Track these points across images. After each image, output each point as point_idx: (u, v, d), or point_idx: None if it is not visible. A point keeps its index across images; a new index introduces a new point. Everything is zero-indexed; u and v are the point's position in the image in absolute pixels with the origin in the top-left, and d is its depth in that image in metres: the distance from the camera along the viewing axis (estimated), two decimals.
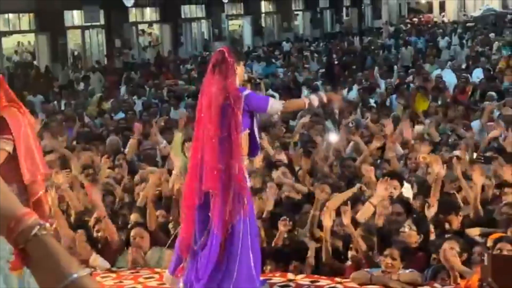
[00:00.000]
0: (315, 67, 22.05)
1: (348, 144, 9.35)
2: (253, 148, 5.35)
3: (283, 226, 6.03)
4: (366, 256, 5.78)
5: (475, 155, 8.62)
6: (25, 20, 25.99)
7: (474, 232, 5.97)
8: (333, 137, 9.27)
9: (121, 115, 13.41)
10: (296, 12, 40.04)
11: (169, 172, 7.72)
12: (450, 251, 5.30)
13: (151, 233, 6.47)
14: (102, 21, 26.57)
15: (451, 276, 5.26)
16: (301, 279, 5.77)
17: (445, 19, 43.66)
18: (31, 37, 27.05)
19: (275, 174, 7.62)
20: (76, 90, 18.11)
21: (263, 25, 37.55)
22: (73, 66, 26.41)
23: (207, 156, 5.07)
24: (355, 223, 6.18)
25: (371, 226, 6.13)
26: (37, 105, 15.34)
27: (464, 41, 26.18)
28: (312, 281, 5.72)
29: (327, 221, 5.89)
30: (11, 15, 25.49)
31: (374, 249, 5.84)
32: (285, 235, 6.12)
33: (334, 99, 5.74)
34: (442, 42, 25.71)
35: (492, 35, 27.08)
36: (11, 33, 26.63)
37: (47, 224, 1.58)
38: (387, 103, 13.27)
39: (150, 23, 32.04)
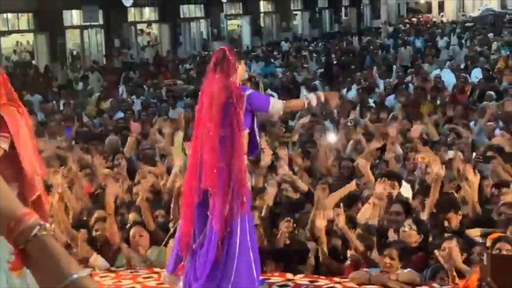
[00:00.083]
0: (314, 67, 22.06)
1: (347, 144, 9.35)
2: (252, 147, 5.35)
3: (285, 228, 6.03)
4: (364, 257, 5.78)
5: (473, 155, 8.63)
6: (24, 20, 25.98)
7: (474, 233, 5.98)
8: (332, 137, 9.26)
9: (120, 114, 13.40)
10: (295, 12, 40.04)
11: (168, 171, 7.73)
12: (455, 248, 5.32)
13: (150, 232, 6.47)
14: (101, 21, 26.56)
15: (449, 276, 5.27)
16: (300, 278, 5.77)
17: (444, 19, 43.68)
18: (30, 36, 27.04)
19: (280, 170, 7.58)
20: (75, 90, 18.09)
21: (262, 25, 37.56)
22: (72, 65, 26.40)
23: (206, 155, 5.07)
24: (354, 223, 6.20)
25: (371, 226, 6.13)
26: (35, 105, 15.33)
27: (463, 41, 26.20)
28: (311, 281, 5.72)
29: (321, 222, 5.88)
30: (10, 15, 25.49)
31: (373, 249, 5.85)
32: (286, 235, 6.11)
33: (331, 98, 5.74)
34: (441, 42, 25.73)
35: (491, 35, 27.09)
36: (10, 32, 26.62)
37: (47, 225, 1.58)
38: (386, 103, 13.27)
39: (149, 23, 32.04)
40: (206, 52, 28.44)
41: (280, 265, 5.99)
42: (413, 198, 7.02)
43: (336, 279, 5.71)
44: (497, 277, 4.67)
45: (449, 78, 15.49)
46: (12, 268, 3.25)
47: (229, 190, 5.04)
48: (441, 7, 49.10)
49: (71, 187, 7.45)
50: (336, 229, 6.20)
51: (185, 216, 5.26)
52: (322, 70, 20.69)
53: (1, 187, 1.61)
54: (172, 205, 6.61)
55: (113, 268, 6.25)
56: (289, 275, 5.82)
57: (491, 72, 16.49)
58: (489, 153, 8.21)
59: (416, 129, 8.66)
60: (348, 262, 5.91)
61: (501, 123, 10.32)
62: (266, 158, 7.38)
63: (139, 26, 31.17)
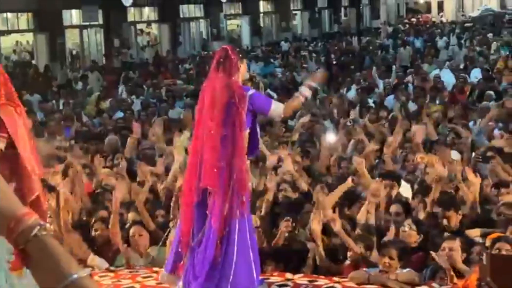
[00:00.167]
0: (313, 67, 22.02)
1: (346, 144, 9.35)
2: (252, 147, 5.35)
3: (285, 227, 6.02)
4: (363, 258, 5.78)
5: (473, 155, 8.63)
6: (24, 20, 25.97)
7: (474, 233, 5.97)
8: (332, 137, 9.26)
9: (119, 114, 13.40)
10: (294, 12, 40.02)
11: (167, 171, 7.74)
12: (457, 248, 5.32)
13: (150, 232, 6.47)
14: (100, 21, 26.56)
15: (447, 275, 5.27)
16: (299, 278, 5.77)
17: (444, 19, 43.68)
18: (29, 36, 27.02)
19: (282, 167, 7.58)
20: (74, 90, 18.08)
21: (262, 25, 37.54)
22: (71, 65, 26.38)
23: (207, 154, 5.07)
24: (354, 223, 6.20)
25: (371, 226, 6.13)
26: (34, 104, 15.33)
27: (463, 41, 26.19)
28: (310, 281, 5.73)
29: (316, 225, 5.87)
30: (9, 14, 25.47)
31: (373, 249, 5.84)
32: (286, 235, 6.11)
33: (318, 78, 5.77)
34: (441, 42, 25.74)
35: (490, 35, 27.09)
36: (9, 32, 26.61)
37: (47, 225, 1.58)
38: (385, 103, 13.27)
39: (148, 23, 32.02)
40: (205, 52, 28.43)
41: (280, 265, 5.99)
42: (413, 198, 7.02)
43: (336, 278, 5.71)
44: (496, 277, 4.67)
45: (448, 78, 15.50)
46: (12, 268, 3.26)
47: (229, 189, 5.04)
48: (440, 7, 49.11)
49: (73, 187, 7.45)
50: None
51: (185, 216, 5.26)
52: (322, 70, 20.67)
53: (1, 187, 1.62)
54: (172, 204, 6.61)
55: (112, 268, 6.25)
56: (289, 275, 5.82)
57: (490, 72, 16.50)
58: (489, 153, 8.21)
59: (420, 134, 8.59)
60: (347, 262, 5.91)
61: (500, 124, 10.32)
62: (271, 158, 7.35)
63: (138, 26, 31.15)
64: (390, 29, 34.39)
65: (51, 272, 1.55)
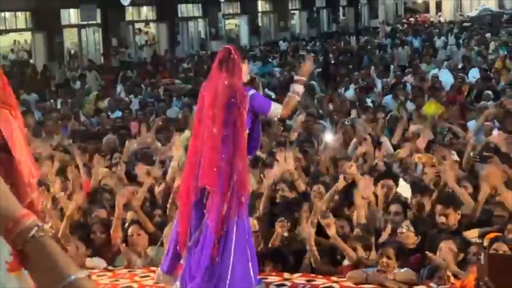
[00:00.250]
0: (312, 66, 22.01)
1: (345, 144, 9.35)
2: (251, 147, 5.35)
3: (280, 228, 6.01)
4: (361, 261, 5.76)
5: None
6: (22, 19, 25.95)
7: (472, 234, 5.95)
8: (330, 137, 9.26)
9: (117, 113, 13.39)
10: (292, 12, 40.02)
11: (164, 174, 7.73)
12: (452, 249, 5.32)
13: (149, 234, 6.46)
14: (98, 20, 26.54)
15: (444, 275, 5.27)
16: (297, 278, 5.77)
17: (442, 19, 43.72)
18: (27, 35, 27.00)
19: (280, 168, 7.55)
20: (72, 89, 18.07)
21: (260, 24, 37.55)
22: (69, 64, 26.36)
23: (206, 153, 5.07)
24: (351, 225, 6.20)
25: (369, 226, 6.13)
26: (32, 104, 15.32)
27: (461, 41, 26.19)
28: (308, 280, 5.73)
29: (309, 229, 5.85)
30: (7, 14, 25.45)
31: (371, 249, 5.84)
32: (286, 234, 6.09)
33: (306, 70, 5.81)
34: (439, 42, 25.75)
35: (488, 35, 27.12)
36: (7, 31, 26.59)
37: (46, 226, 1.58)
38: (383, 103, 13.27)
39: (146, 22, 32.01)
40: (204, 52, 28.43)
41: (278, 266, 5.98)
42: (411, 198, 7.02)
43: (334, 278, 5.71)
44: (494, 277, 4.67)
45: (446, 78, 15.50)
46: (10, 269, 3.24)
47: (229, 189, 5.04)
48: (438, 7, 49.12)
49: (73, 188, 7.45)
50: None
51: (182, 215, 5.26)
52: (320, 69, 20.68)
53: (0, 187, 1.62)
54: (168, 205, 6.61)
55: (110, 267, 6.25)
56: (286, 275, 5.82)
57: (488, 72, 16.49)
58: (486, 153, 8.19)
59: (424, 140, 8.54)
60: (346, 262, 5.91)
61: (497, 123, 10.32)
62: (279, 167, 7.21)
63: (137, 25, 31.14)
64: (388, 29, 34.39)
65: (49, 273, 1.55)
